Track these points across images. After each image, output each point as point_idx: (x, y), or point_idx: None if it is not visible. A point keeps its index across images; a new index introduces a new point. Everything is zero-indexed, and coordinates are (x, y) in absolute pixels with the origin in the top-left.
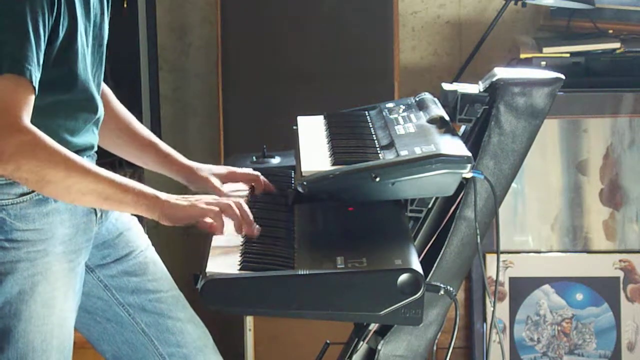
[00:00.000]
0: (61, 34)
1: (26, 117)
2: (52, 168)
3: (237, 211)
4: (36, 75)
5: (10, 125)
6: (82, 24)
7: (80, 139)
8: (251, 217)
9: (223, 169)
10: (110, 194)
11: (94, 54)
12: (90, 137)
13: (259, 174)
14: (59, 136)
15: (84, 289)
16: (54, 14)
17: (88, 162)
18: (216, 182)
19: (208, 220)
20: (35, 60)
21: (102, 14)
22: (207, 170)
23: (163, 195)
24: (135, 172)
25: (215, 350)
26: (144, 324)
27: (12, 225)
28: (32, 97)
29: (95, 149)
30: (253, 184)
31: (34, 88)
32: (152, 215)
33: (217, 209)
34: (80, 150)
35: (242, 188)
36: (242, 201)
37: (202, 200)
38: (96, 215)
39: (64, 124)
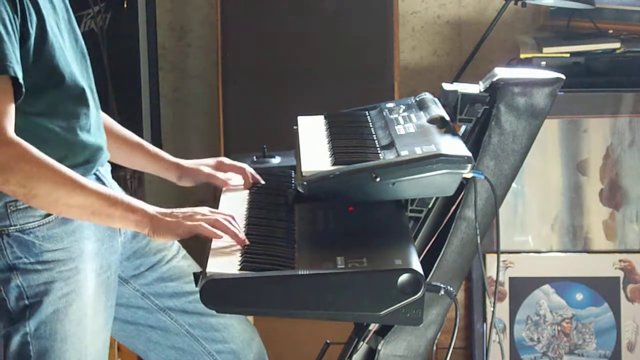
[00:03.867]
0: (32, 32)
1: (10, 129)
2: (39, 180)
3: (227, 224)
4: (20, 73)
5: None
6: (51, 18)
7: (92, 137)
8: (237, 229)
9: (211, 160)
10: (97, 208)
11: (76, 53)
12: (99, 137)
13: (246, 167)
14: (73, 134)
15: (122, 301)
16: (19, 12)
17: (78, 175)
18: (208, 169)
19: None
20: (14, 57)
21: (67, 9)
22: (194, 163)
23: (151, 209)
24: (135, 172)
25: (261, 342)
26: (188, 325)
27: (42, 247)
28: (13, 105)
29: (105, 149)
30: (241, 177)
31: (20, 85)
32: (143, 230)
33: (206, 225)
34: (95, 151)
35: (240, 182)
36: (232, 214)
37: (190, 215)
38: None
39: (70, 122)
